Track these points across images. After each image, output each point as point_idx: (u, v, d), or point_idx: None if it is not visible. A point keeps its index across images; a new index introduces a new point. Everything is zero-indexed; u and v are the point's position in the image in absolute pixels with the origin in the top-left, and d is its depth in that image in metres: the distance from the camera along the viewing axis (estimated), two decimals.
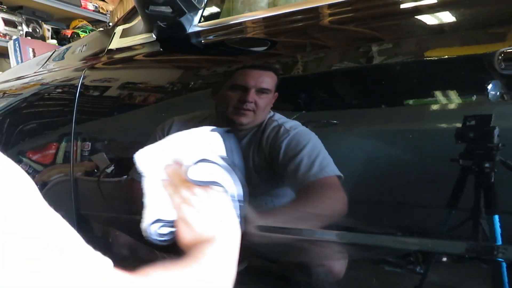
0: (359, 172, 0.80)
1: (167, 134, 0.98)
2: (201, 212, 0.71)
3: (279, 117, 0.89)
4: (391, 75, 0.79)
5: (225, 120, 0.93)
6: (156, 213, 0.75)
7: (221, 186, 0.73)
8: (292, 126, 0.86)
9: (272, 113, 0.90)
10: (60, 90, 1.35)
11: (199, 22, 1.07)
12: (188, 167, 0.72)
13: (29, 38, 3.13)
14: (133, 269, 0.52)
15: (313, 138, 0.82)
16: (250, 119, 0.90)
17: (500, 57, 0.65)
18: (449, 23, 0.79)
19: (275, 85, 0.89)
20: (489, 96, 0.67)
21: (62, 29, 3.55)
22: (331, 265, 0.82)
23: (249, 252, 0.79)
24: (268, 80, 0.90)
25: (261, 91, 0.89)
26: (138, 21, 1.17)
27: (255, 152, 0.90)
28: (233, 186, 0.75)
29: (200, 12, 1.06)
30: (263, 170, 0.90)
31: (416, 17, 0.83)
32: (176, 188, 0.74)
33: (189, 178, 0.71)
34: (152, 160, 0.76)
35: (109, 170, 1.14)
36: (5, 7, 3.11)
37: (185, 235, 0.71)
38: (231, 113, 0.91)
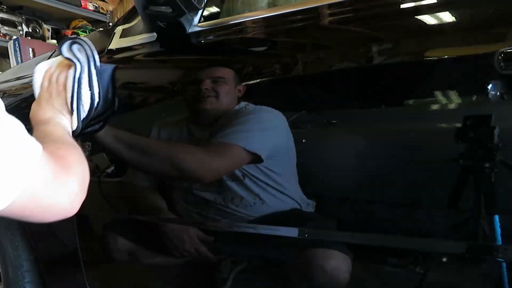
0: (359, 171, 0.80)
1: None
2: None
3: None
4: (390, 75, 0.79)
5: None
6: None
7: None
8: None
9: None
10: None
11: (199, 22, 1.07)
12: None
13: (29, 38, 3.13)
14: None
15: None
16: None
17: (500, 57, 0.65)
18: (449, 23, 0.79)
19: (233, 76, 0.94)
20: (489, 96, 0.67)
21: (62, 29, 3.55)
22: None
23: None
24: (222, 70, 0.97)
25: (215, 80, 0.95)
26: (138, 21, 1.17)
27: None
28: None
29: (200, 12, 1.05)
30: None
31: (416, 17, 0.83)
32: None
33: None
34: None
35: (109, 170, 1.14)
36: (5, 7, 3.10)
37: None
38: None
